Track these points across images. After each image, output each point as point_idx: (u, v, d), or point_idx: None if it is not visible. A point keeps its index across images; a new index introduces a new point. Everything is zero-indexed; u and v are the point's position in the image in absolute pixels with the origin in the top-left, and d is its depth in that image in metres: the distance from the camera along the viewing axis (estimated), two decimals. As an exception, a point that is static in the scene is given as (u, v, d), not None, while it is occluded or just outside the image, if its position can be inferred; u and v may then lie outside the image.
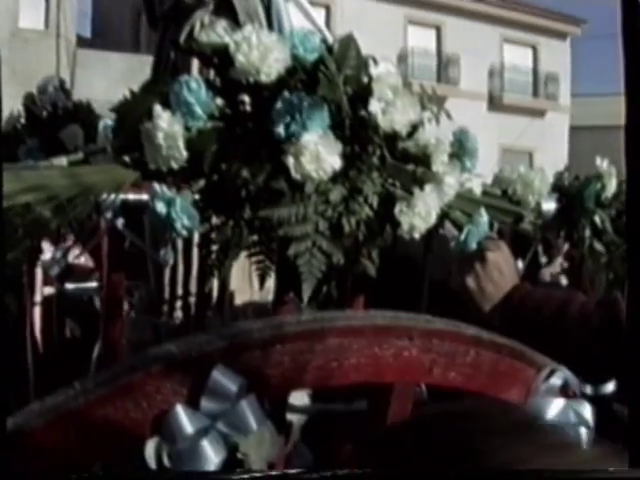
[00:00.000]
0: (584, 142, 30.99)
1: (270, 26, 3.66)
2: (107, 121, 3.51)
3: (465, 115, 26.25)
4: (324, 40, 2.44)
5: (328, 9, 25.41)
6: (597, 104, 30.45)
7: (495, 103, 30.43)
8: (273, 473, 1.86)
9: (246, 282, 3.09)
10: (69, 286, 3.32)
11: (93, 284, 3.40)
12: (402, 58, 27.70)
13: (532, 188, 2.92)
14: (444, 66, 28.99)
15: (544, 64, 31.48)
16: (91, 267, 3.48)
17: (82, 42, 24.13)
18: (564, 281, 4.16)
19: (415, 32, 28.49)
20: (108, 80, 20.82)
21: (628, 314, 1.28)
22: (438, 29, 29.19)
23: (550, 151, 28.71)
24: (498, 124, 29.39)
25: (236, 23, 3.58)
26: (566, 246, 3.66)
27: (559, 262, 4.06)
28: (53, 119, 4.14)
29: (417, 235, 2.42)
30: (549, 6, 31.02)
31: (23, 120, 4.19)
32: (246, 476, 1.45)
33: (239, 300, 3.30)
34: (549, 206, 3.28)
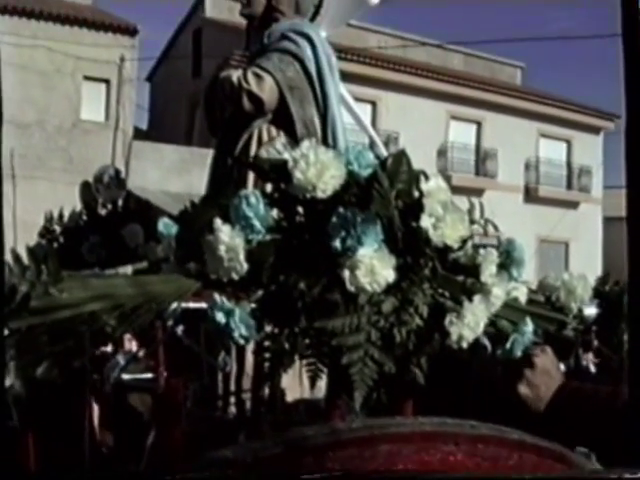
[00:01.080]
0: (616, 232, 30.78)
1: (325, 134, 3.77)
2: (165, 220, 3.63)
3: (502, 207, 26.33)
4: (377, 156, 2.52)
5: (374, 104, 25.68)
6: (629, 195, 30.18)
7: (531, 195, 30.52)
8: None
9: (296, 380, 3.14)
10: (125, 377, 3.40)
11: (148, 375, 3.47)
12: (442, 152, 27.93)
13: (575, 295, 2.97)
14: (482, 160, 29.18)
15: (578, 157, 31.62)
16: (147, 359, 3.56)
17: (139, 133, 24.68)
18: (593, 369, 4.20)
19: (456, 127, 28.72)
20: (161, 170, 21.22)
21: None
22: (479, 124, 29.43)
23: (584, 241, 28.71)
24: (534, 215, 29.44)
25: (293, 132, 3.70)
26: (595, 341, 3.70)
27: (590, 357, 4.09)
28: (113, 216, 4.28)
29: (465, 345, 2.47)
30: (584, 102, 31.05)
31: (85, 217, 4.33)
32: None
33: (290, 397, 3.35)
34: (590, 311, 3.31)
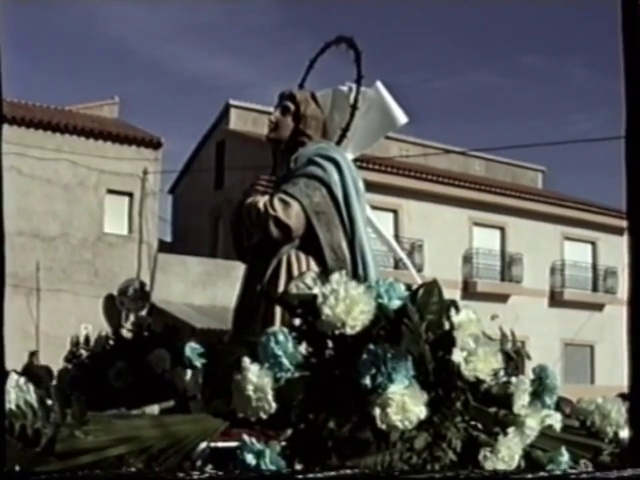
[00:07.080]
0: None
1: (354, 259, 3.75)
2: (192, 344, 3.60)
3: (527, 311, 26.22)
4: (409, 287, 2.49)
5: (395, 213, 25.71)
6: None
7: (556, 299, 30.26)
8: None
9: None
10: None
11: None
12: (467, 259, 27.88)
13: (609, 419, 2.92)
14: (508, 265, 29.08)
15: (603, 259, 31.44)
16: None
17: (163, 246, 24.66)
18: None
19: (480, 233, 28.67)
20: (186, 283, 21.20)
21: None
22: (502, 230, 29.40)
23: (610, 343, 28.17)
24: (559, 319, 29.17)
25: (321, 257, 3.68)
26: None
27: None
28: (139, 341, 4.25)
29: (500, 480, 2.40)
30: (607, 203, 30.99)
31: (111, 341, 4.31)
32: None
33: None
34: (625, 434, 3.23)
